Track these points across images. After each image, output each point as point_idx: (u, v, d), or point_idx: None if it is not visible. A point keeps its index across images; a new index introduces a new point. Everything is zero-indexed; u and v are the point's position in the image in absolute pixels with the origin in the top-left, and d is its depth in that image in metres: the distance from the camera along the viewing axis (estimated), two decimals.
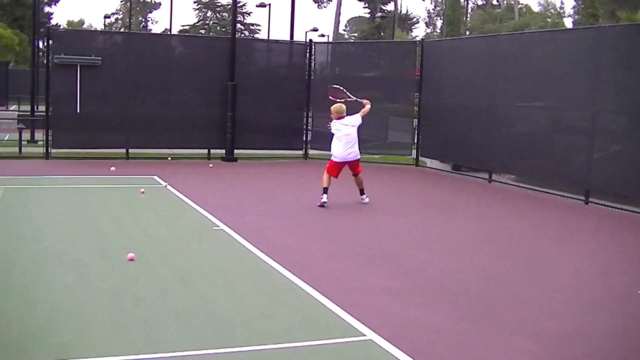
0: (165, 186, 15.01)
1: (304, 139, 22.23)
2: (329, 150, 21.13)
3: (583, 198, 15.19)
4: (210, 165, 19.34)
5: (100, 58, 19.71)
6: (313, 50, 22.33)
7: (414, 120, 21.26)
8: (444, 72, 19.98)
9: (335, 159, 13.69)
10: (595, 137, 15.05)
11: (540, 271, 9.14)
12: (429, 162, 21.09)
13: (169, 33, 54.20)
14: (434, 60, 20.50)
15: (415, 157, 21.12)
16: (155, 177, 16.27)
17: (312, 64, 22.29)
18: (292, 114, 22.06)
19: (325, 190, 13.25)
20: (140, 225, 11.10)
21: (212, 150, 21.11)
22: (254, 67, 22.35)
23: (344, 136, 13.62)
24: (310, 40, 22.83)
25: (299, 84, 22.06)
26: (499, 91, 17.61)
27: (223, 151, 20.93)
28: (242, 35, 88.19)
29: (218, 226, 11.01)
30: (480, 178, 18.34)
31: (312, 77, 22.26)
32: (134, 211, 12.35)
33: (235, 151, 20.95)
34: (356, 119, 13.81)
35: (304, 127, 22.24)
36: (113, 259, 8.77)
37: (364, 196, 13.85)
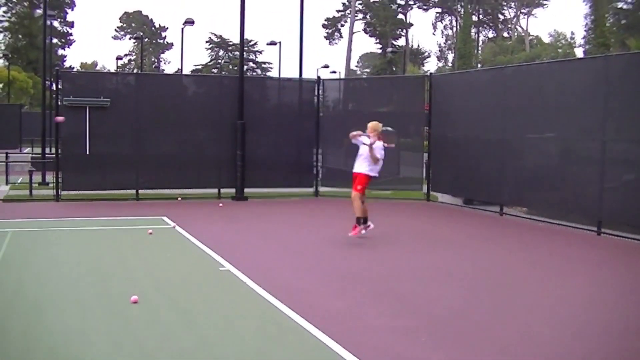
0: (174, 227, 14.95)
1: (315, 176, 22.18)
2: (340, 187, 21.17)
3: (595, 229, 15.03)
4: (220, 204, 19.28)
5: (109, 99, 19.82)
6: (321, 87, 22.40)
7: (424, 154, 21.19)
8: (453, 105, 19.96)
9: (372, 173, 13.63)
10: (607, 167, 14.91)
11: (550, 305, 8.97)
12: (440, 197, 21.00)
13: (178, 73, 54.43)
14: (443, 93, 20.52)
15: (426, 191, 21.02)
16: (164, 218, 16.22)
17: (321, 101, 22.33)
18: (302, 151, 22.08)
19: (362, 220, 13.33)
20: (146, 267, 11.03)
21: (222, 190, 21.07)
22: (263, 105, 22.39)
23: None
24: (319, 77, 22.83)
25: (309, 121, 22.12)
26: (508, 123, 17.55)
27: (234, 190, 20.89)
28: (255, 73, 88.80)
29: (224, 266, 10.91)
30: (492, 212, 18.20)
31: (322, 114, 22.30)
32: (141, 252, 12.28)
33: (246, 190, 20.91)
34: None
35: (314, 164, 22.20)
36: (116, 301, 8.69)
37: (368, 223, 13.73)
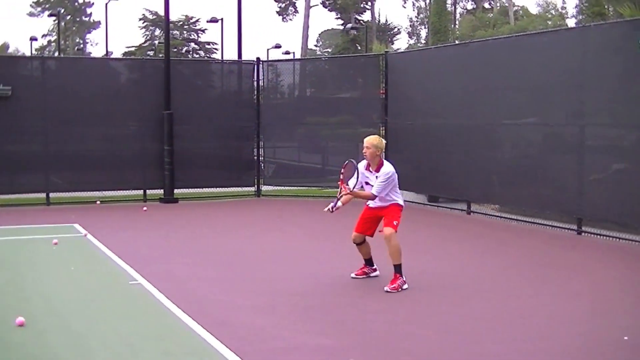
0: (85, 235, 14.83)
1: (256, 173, 22.13)
2: (285, 185, 21.12)
3: (575, 227, 15.12)
4: (144, 208, 19.15)
5: (9, 87, 19.51)
6: (261, 69, 22.22)
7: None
8: (412, 88, 19.95)
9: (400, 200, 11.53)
10: (586, 156, 14.91)
11: (511, 318, 9.02)
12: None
13: (104, 56, 53.68)
14: (401, 75, 20.50)
15: None
16: (76, 225, 16.07)
17: (262, 86, 22.15)
18: (241, 145, 21.96)
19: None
20: (42, 283, 10.90)
21: (149, 191, 20.92)
22: (195, 92, 22.19)
23: None
24: (258, 58, 22.47)
25: (248, 110, 21.97)
26: (478, 108, 17.59)
27: (162, 191, 20.76)
28: (197, 55, 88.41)
29: (136, 280, 10.86)
30: (459, 210, 18.27)
31: (263, 102, 22.18)
32: (40, 266, 12.12)
33: (177, 191, 20.79)
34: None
35: (255, 159, 22.12)
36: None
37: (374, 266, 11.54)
